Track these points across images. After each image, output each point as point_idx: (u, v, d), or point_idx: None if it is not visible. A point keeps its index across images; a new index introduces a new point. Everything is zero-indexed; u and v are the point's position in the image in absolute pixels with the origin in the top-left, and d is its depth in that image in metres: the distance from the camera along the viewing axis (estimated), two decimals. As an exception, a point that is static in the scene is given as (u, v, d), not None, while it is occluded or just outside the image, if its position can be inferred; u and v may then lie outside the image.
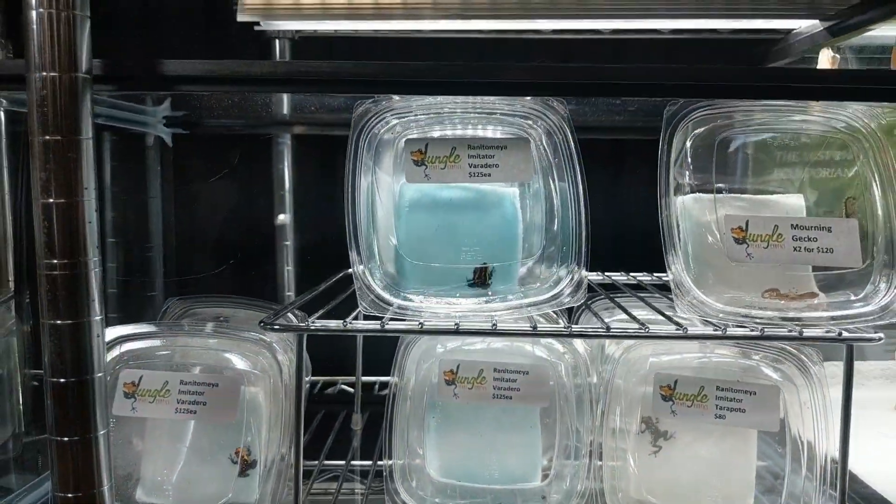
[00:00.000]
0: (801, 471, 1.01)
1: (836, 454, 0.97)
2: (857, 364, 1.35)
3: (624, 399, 1.06)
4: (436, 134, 1.03)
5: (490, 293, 1.03)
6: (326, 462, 1.28)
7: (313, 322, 0.94)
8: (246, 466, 1.06)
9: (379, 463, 1.15)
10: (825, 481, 0.99)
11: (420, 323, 0.95)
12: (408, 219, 1.05)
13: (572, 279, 0.97)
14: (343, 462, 1.26)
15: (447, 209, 1.05)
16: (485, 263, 1.04)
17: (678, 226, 0.98)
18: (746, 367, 1.04)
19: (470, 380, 1.06)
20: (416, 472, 1.10)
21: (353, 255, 0.95)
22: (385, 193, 1.06)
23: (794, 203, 1.07)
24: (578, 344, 1.10)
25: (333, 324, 0.95)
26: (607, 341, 1.13)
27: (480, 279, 1.04)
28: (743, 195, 1.07)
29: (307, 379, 1.45)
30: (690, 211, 1.05)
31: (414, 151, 0.98)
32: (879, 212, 0.96)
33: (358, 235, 0.97)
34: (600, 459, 1.04)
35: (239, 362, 1.05)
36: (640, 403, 1.05)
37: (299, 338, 0.95)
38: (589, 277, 1.33)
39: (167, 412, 0.99)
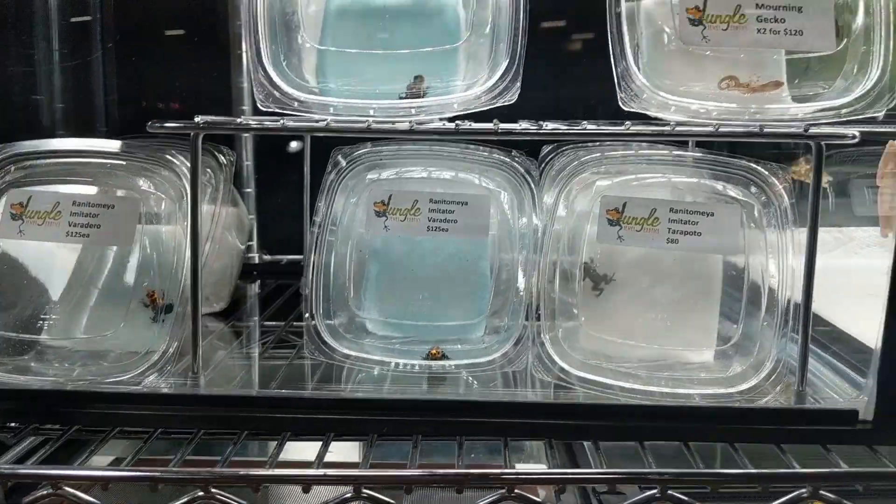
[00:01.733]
0: (760, 310, 0.89)
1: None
2: (850, 230, 1.22)
3: (568, 236, 0.94)
4: None
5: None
6: (267, 323, 1.19)
7: (204, 120, 0.84)
8: (158, 311, 0.97)
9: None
10: (787, 323, 0.86)
11: (326, 121, 0.84)
12: (335, 26, 0.94)
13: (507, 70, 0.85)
14: (283, 322, 1.17)
15: (380, 16, 0.94)
16: (420, 75, 0.92)
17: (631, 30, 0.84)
18: (706, 187, 0.91)
19: (402, 211, 0.95)
20: (345, 314, 0.99)
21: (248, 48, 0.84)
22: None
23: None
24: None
25: (224, 119, 0.85)
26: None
27: (415, 93, 0.92)
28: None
29: (253, 254, 1.36)
30: (652, 15, 0.91)
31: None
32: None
33: (258, 34, 0.85)
34: (538, 301, 0.92)
35: (144, 184, 0.95)
36: (586, 240, 0.93)
37: (193, 139, 0.84)
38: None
39: (58, 235, 0.90)
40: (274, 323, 1.18)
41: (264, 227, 1.49)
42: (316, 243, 0.96)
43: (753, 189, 0.89)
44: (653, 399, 0.84)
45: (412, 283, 1.00)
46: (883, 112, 0.79)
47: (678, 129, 0.81)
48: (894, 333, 0.80)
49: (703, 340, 0.93)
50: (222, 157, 1.07)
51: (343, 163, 0.98)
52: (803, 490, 0.72)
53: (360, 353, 0.95)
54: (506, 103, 0.85)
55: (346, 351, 0.94)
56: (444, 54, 0.93)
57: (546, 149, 0.97)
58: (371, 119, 0.85)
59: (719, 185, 0.92)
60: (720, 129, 0.80)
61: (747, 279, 0.90)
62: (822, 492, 0.73)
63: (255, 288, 1.40)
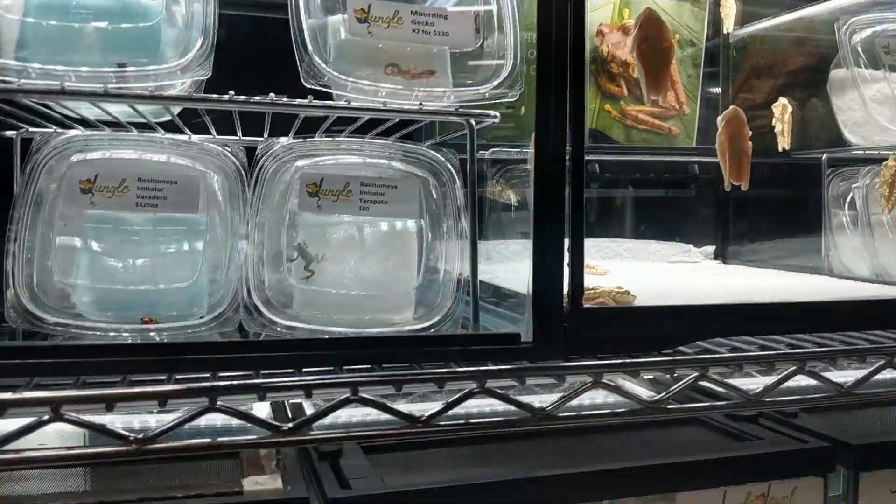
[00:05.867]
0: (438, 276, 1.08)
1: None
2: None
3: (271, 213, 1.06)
4: None
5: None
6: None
7: None
8: None
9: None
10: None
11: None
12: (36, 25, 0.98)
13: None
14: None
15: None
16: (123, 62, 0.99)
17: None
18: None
19: (110, 189, 1.01)
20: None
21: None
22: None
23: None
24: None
25: None
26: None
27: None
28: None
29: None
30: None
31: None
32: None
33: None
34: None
35: None
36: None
37: None
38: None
39: None
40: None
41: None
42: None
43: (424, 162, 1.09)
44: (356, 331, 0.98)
45: (124, 261, 1.04)
46: (517, 95, 1.04)
47: (353, 104, 0.98)
48: (539, 264, 0.98)
49: (404, 302, 1.09)
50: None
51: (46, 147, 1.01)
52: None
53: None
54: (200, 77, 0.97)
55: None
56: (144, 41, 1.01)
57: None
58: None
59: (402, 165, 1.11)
60: (388, 106, 0.98)
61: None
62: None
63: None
